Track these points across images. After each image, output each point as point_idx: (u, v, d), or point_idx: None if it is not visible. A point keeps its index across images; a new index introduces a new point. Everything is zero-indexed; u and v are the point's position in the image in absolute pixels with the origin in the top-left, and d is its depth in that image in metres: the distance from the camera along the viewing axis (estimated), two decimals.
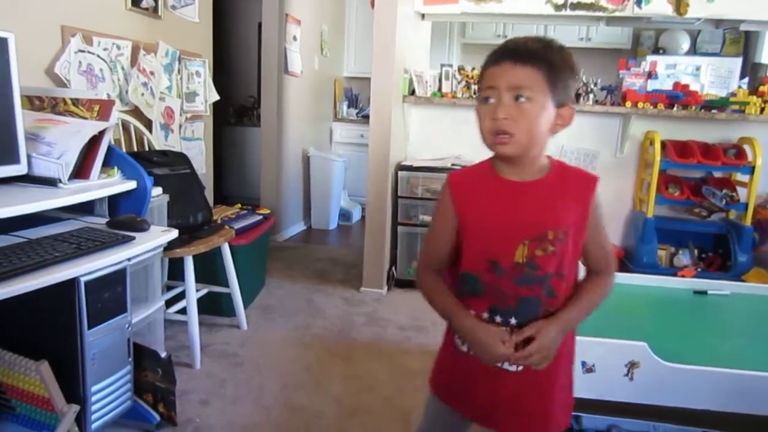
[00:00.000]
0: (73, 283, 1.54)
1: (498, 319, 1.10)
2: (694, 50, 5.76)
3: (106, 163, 1.91)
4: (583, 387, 1.58)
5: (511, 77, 1.01)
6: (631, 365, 1.62)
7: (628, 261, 3.67)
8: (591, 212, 1.10)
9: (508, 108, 1.01)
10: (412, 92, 3.72)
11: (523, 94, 1.00)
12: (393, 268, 3.66)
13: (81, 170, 1.80)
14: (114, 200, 1.95)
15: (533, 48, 1.02)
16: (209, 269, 2.77)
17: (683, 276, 3.23)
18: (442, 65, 3.83)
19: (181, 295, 2.52)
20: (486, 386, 1.15)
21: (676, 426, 1.84)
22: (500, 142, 1.03)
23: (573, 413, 1.83)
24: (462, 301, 1.12)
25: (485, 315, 1.11)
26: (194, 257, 2.43)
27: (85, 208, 1.90)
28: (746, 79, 4.24)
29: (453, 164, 3.53)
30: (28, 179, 1.71)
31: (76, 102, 1.99)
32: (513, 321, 1.09)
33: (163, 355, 1.97)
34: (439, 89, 3.77)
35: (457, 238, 1.13)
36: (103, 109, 1.96)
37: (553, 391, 1.16)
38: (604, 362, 1.59)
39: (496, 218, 1.08)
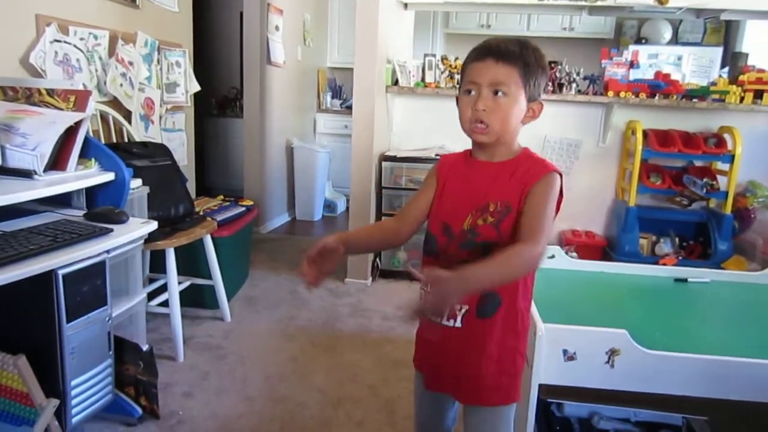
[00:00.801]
0: (50, 275, 1.52)
1: None
2: (675, 40, 5.79)
3: (84, 155, 1.88)
4: (564, 375, 1.59)
5: (492, 73, 1.14)
6: (612, 353, 1.63)
7: (610, 250, 3.70)
8: (531, 192, 1.15)
9: (487, 101, 1.14)
10: (396, 82, 3.70)
11: (501, 89, 1.14)
12: (377, 259, 3.65)
13: (57, 162, 1.78)
14: (92, 192, 1.93)
15: (513, 49, 1.14)
16: (192, 261, 2.75)
17: (664, 264, 3.26)
18: (426, 55, 3.82)
19: (164, 288, 2.50)
20: (436, 343, 1.26)
21: (657, 412, 1.86)
22: (478, 131, 1.17)
23: (555, 401, 1.86)
24: (423, 261, 1.27)
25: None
26: (176, 249, 2.41)
27: (62, 201, 1.87)
28: (727, 69, 4.27)
29: (437, 154, 3.53)
30: (3, 171, 1.68)
31: (51, 92, 1.96)
32: None
33: (145, 348, 1.96)
34: (423, 79, 3.75)
35: (430, 206, 1.28)
36: (80, 100, 1.93)
37: (481, 356, 1.21)
38: (585, 350, 1.60)
39: (458, 189, 1.24)
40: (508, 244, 1.11)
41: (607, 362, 1.61)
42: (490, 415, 1.26)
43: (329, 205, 5.53)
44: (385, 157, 3.55)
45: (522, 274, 1.17)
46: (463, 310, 1.19)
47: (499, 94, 1.13)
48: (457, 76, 3.75)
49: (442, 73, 3.77)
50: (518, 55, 1.14)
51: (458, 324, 1.20)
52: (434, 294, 1.00)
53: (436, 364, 1.29)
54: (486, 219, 1.18)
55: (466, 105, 1.17)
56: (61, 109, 1.92)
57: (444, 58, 3.80)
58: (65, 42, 2.33)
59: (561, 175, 1.19)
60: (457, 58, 3.81)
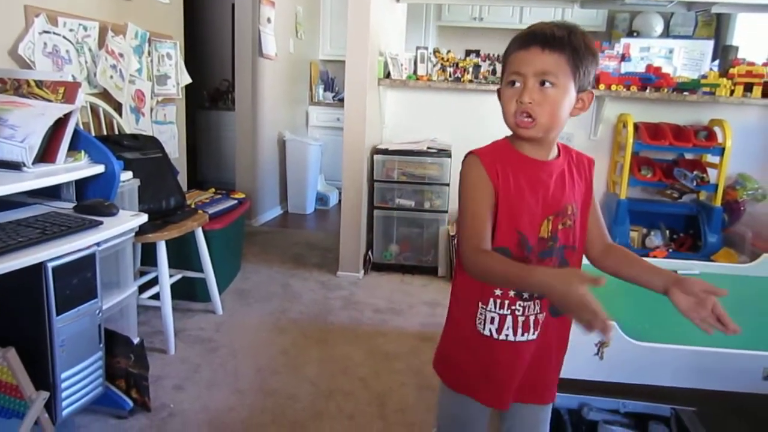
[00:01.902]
0: (39, 268, 1.52)
1: (525, 295, 1.12)
2: (667, 33, 5.80)
3: (73, 147, 1.87)
4: None
5: (538, 63, 1.04)
6: (601, 344, 1.64)
7: None
8: (592, 190, 1.18)
9: (533, 92, 1.04)
10: (388, 75, 3.70)
11: (548, 79, 1.04)
12: (369, 252, 3.66)
13: (46, 154, 1.77)
14: (81, 185, 1.92)
15: (559, 35, 1.04)
16: (183, 254, 2.75)
17: (655, 257, 3.28)
18: (418, 48, 3.81)
19: (155, 281, 2.50)
20: (506, 363, 1.17)
21: (645, 403, 1.88)
22: (524, 125, 1.07)
23: None
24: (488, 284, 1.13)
25: (512, 293, 1.12)
26: (168, 242, 2.41)
27: (51, 193, 1.86)
28: (717, 62, 4.29)
29: (429, 147, 3.53)
30: None
31: (40, 84, 1.94)
32: (538, 294, 1.12)
33: (136, 340, 1.95)
34: (415, 72, 3.75)
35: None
36: (69, 92, 1.92)
37: (558, 361, 1.23)
38: (574, 342, 1.61)
39: (525, 194, 1.10)
40: (580, 244, 1.16)
41: (596, 354, 1.62)
42: (546, 412, 1.27)
43: (321, 198, 5.53)
44: (377, 150, 3.55)
45: None
46: (541, 318, 1.15)
47: (547, 84, 1.04)
48: (450, 69, 3.75)
49: (434, 66, 3.76)
50: (566, 41, 1.04)
51: (534, 336, 1.15)
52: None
53: (509, 379, 1.19)
54: (566, 223, 1.12)
55: (509, 98, 1.07)
56: (50, 101, 1.91)
57: (436, 51, 3.80)
58: (54, 33, 2.31)
59: None
60: (449, 51, 3.81)
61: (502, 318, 1.13)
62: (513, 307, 1.13)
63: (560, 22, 1.08)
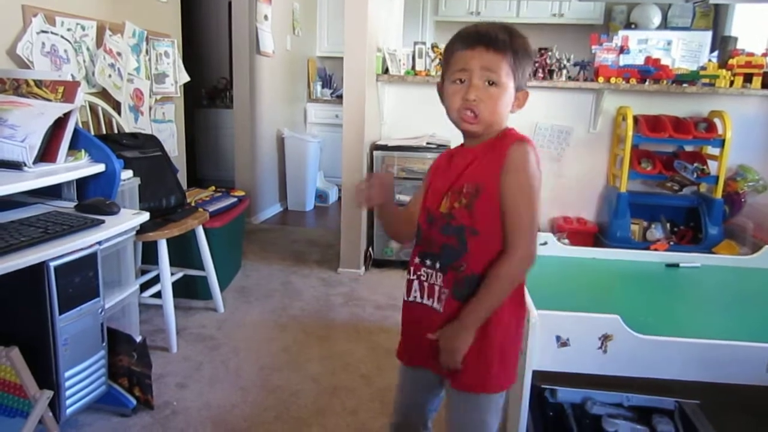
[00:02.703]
0: (42, 267, 1.52)
1: (428, 262, 1.23)
2: (665, 25, 5.79)
3: (73, 146, 1.87)
4: (557, 361, 1.59)
5: (484, 62, 1.11)
6: (605, 338, 1.64)
7: (602, 236, 3.71)
8: (505, 173, 1.12)
9: (478, 90, 1.12)
10: (386, 71, 3.69)
11: (492, 78, 1.12)
12: (370, 249, 3.66)
13: (47, 153, 1.76)
14: (82, 184, 1.92)
15: (502, 37, 1.12)
16: (184, 252, 2.75)
17: (656, 250, 3.28)
18: (415, 43, 3.80)
19: (156, 279, 2.50)
20: (408, 319, 1.30)
21: (649, 396, 1.88)
22: (467, 120, 1.15)
23: (548, 387, 1.87)
24: (412, 251, 1.28)
25: (417, 259, 1.25)
26: (169, 241, 2.40)
27: (53, 192, 1.86)
28: (716, 53, 4.28)
29: (428, 143, 3.52)
30: None
31: (39, 83, 1.93)
32: (437, 265, 1.21)
33: (138, 339, 1.95)
34: (413, 67, 3.74)
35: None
36: (68, 91, 1.91)
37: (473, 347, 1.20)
38: (577, 336, 1.61)
39: (440, 176, 1.25)
40: (477, 225, 1.15)
41: (600, 348, 1.61)
42: (467, 400, 1.24)
43: (321, 195, 5.52)
44: (376, 146, 3.54)
45: (511, 288, 1.16)
46: (444, 295, 1.20)
47: (491, 83, 1.12)
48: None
49: (432, 61, 3.75)
50: (508, 43, 1.12)
51: (440, 308, 1.21)
52: (446, 354, 1.16)
53: (416, 341, 1.27)
54: (461, 201, 1.16)
55: (454, 94, 1.15)
56: (50, 101, 1.91)
57: (434, 46, 3.79)
58: (52, 33, 2.31)
59: (533, 147, 1.14)
60: None
61: (409, 282, 1.26)
62: (418, 272, 1.24)
63: (500, 24, 1.15)
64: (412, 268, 1.26)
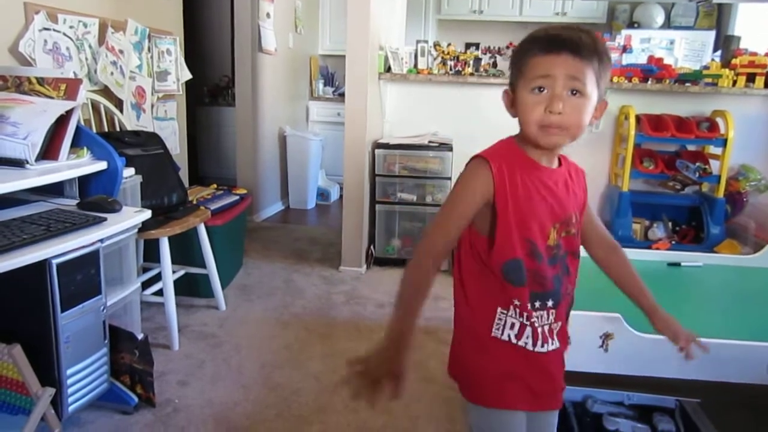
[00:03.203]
0: (44, 265, 1.52)
1: (537, 304, 1.10)
2: (668, 24, 5.78)
3: (75, 144, 1.87)
4: None
5: (570, 70, 1.00)
6: (606, 337, 1.64)
7: None
8: (587, 198, 1.21)
9: (564, 101, 1.01)
10: (388, 69, 3.69)
11: (578, 87, 1.01)
12: (371, 247, 3.66)
13: (49, 151, 1.77)
14: (84, 181, 1.92)
15: (588, 42, 1.01)
16: (186, 250, 2.75)
17: (658, 249, 3.27)
18: (418, 41, 3.80)
19: (158, 277, 2.50)
20: (538, 370, 1.15)
21: (650, 395, 1.88)
22: (552, 133, 1.03)
23: None
24: (507, 291, 1.10)
25: (528, 304, 1.09)
26: (170, 238, 2.41)
27: (55, 190, 1.86)
28: (719, 52, 4.27)
29: (430, 141, 3.52)
30: None
31: (41, 81, 1.94)
32: (549, 303, 1.12)
33: (140, 336, 1.95)
34: (415, 66, 3.74)
35: (490, 226, 1.09)
36: (70, 88, 1.92)
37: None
38: (579, 334, 1.61)
39: (534, 201, 1.08)
40: (577, 248, 1.17)
41: (601, 346, 1.62)
42: (555, 416, 1.27)
43: (323, 194, 5.52)
44: (378, 145, 3.54)
45: None
46: (557, 328, 1.14)
47: (576, 93, 1.01)
48: (450, 62, 3.74)
49: (434, 59, 3.75)
50: (594, 49, 1.01)
51: (557, 344, 1.15)
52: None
53: (541, 387, 1.18)
54: (569, 231, 1.13)
55: (535, 104, 1.02)
56: (52, 98, 1.91)
57: (437, 45, 3.79)
58: (54, 30, 2.31)
59: None
60: (449, 44, 3.80)
61: (522, 326, 1.11)
62: (532, 319, 1.11)
63: (578, 27, 1.04)
64: (522, 312, 1.10)
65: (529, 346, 1.11)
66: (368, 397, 1.00)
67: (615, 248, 1.27)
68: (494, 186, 1.05)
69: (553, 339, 1.13)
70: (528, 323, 1.10)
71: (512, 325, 1.11)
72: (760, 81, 3.39)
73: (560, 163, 1.15)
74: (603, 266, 1.28)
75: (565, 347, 1.19)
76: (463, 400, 1.21)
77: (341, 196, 3.68)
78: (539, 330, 1.11)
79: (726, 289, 2.22)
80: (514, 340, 1.11)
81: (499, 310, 1.11)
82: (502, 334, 1.12)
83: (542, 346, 1.12)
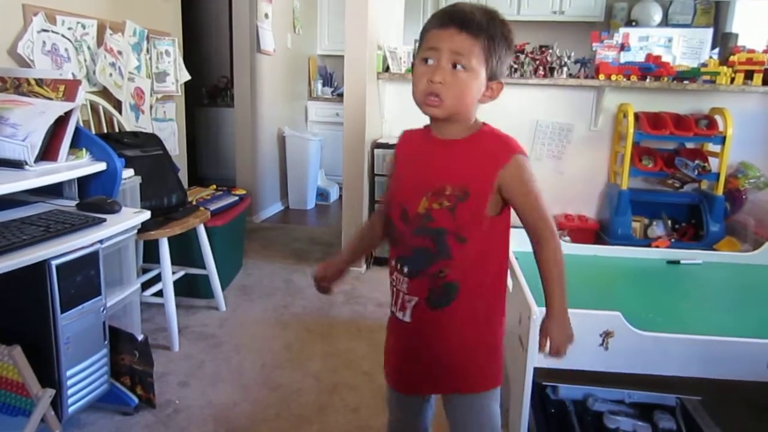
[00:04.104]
0: (43, 266, 1.52)
1: (398, 266, 1.18)
2: (666, 21, 5.78)
3: (75, 145, 1.87)
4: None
5: (454, 43, 1.04)
6: (606, 335, 1.64)
7: (603, 233, 3.71)
8: (510, 181, 1.10)
9: (444, 73, 1.05)
10: (386, 69, 3.69)
11: (461, 62, 1.04)
12: None
13: (48, 152, 1.77)
14: (84, 182, 1.92)
15: (478, 19, 1.04)
16: (185, 251, 2.75)
17: (657, 247, 3.27)
18: (416, 41, 3.79)
19: (158, 278, 2.50)
20: (395, 341, 1.27)
21: (651, 393, 1.88)
22: (430, 103, 1.08)
23: (550, 383, 1.87)
24: (390, 250, 1.21)
25: (394, 262, 1.19)
26: (170, 239, 2.41)
27: (54, 191, 1.86)
28: (717, 50, 4.27)
29: None
30: None
31: (40, 82, 1.94)
32: (405, 270, 1.16)
33: (140, 337, 1.95)
34: (413, 65, 3.73)
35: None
36: (69, 90, 1.92)
37: (440, 346, 1.20)
38: (579, 332, 1.60)
39: (413, 169, 1.17)
40: (463, 231, 1.10)
41: (601, 344, 1.62)
42: (468, 401, 1.23)
43: (322, 194, 5.52)
44: (377, 144, 3.54)
45: (564, 267, 1.16)
46: (413, 302, 1.16)
47: (459, 67, 1.04)
48: None
49: None
50: (484, 27, 1.04)
51: (407, 318, 1.18)
52: (554, 343, 1.14)
53: (396, 364, 1.27)
54: (442, 203, 1.10)
55: (421, 74, 1.07)
56: (51, 99, 1.91)
57: None
58: (53, 31, 2.31)
59: (527, 157, 1.13)
60: None
61: (390, 289, 1.21)
62: (391, 278, 1.20)
63: (482, 7, 1.08)
64: (391, 272, 1.21)
65: (397, 313, 1.20)
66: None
67: (538, 241, 1.14)
68: (395, 153, 1.24)
69: (404, 311, 1.18)
70: (394, 286, 1.20)
71: (391, 293, 1.21)
72: (758, 78, 3.39)
73: (472, 136, 1.13)
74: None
75: (425, 332, 1.18)
76: None
77: (341, 196, 3.69)
78: (394, 292, 1.20)
79: (726, 286, 2.22)
80: (393, 308, 1.22)
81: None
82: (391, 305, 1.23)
83: (400, 312, 1.19)
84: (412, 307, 1.16)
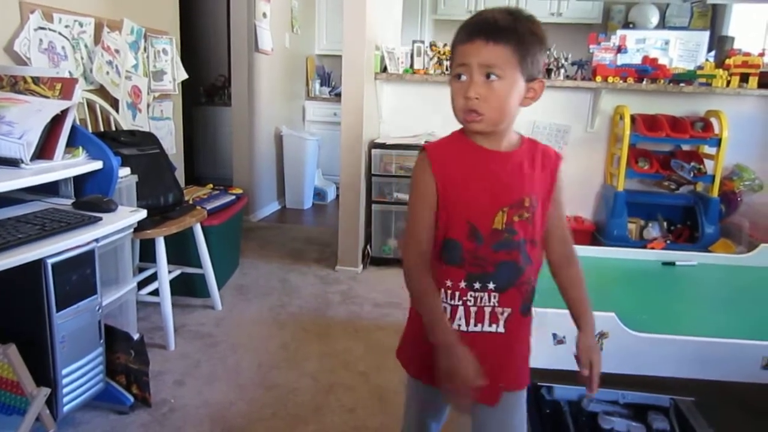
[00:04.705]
0: (39, 264, 1.52)
1: (477, 285, 1.11)
2: (663, 24, 5.80)
3: (71, 143, 1.87)
4: (554, 358, 1.60)
5: (482, 56, 1.01)
6: (601, 335, 1.65)
7: (599, 234, 3.72)
8: (555, 187, 1.15)
9: (479, 87, 1.02)
10: (384, 69, 3.69)
11: (494, 72, 1.01)
12: (368, 246, 3.66)
13: (44, 150, 1.77)
14: (80, 181, 1.92)
15: (503, 24, 1.02)
16: (182, 250, 2.75)
17: (652, 248, 3.29)
18: (414, 41, 3.80)
19: (154, 277, 2.50)
20: (483, 356, 1.13)
21: (645, 393, 1.89)
22: (471, 119, 1.05)
23: (545, 384, 1.88)
24: (441, 271, 1.13)
25: (462, 284, 1.12)
26: (166, 238, 2.40)
27: (50, 189, 1.86)
28: (713, 53, 4.29)
29: (426, 141, 3.52)
30: None
31: (36, 80, 1.93)
32: (491, 286, 1.11)
33: (136, 336, 1.95)
34: (411, 66, 3.74)
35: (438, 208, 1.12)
36: (66, 88, 1.91)
37: (522, 349, 1.21)
38: (574, 334, 1.61)
39: (476, 185, 1.09)
40: (536, 236, 1.13)
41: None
42: (521, 396, 1.24)
43: (319, 194, 5.52)
44: (374, 145, 3.54)
45: None
46: (506, 314, 1.14)
47: (492, 77, 1.01)
48: (446, 63, 3.74)
49: (430, 59, 3.76)
50: (511, 30, 1.01)
51: (501, 329, 1.14)
52: (597, 362, 1.13)
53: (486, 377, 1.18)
54: (522, 215, 1.09)
55: (457, 92, 1.05)
56: (47, 97, 1.91)
57: (433, 45, 3.79)
58: (50, 29, 2.30)
59: None
60: (445, 45, 3.80)
61: (454, 309, 1.13)
62: (464, 298, 1.13)
63: (505, 9, 1.05)
64: (454, 292, 1.12)
65: (463, 327, 1.13)
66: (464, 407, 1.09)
67: (570, 262, 1.19)
68: (432, 172, 1.09)
69: (497, 323, 1.14)
70: (460, 303, 1.12)
71: (444, 309, 1.13)
72: (753, 81, 3.41)
73: (521, 146, 1.13)
74: (553, 273, 1.23)
75: (515, 338, 1.17)
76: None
77: (338, 196, 3.69)
78: (472, 310, 1.12)
79: (720, 288, 2.23)
80: (475, 326, 1.14)
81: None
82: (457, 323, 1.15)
83: (476, 325, 1.13)
84: (506, 319, 1.14)
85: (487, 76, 1.02)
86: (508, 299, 1.13)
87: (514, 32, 1.01)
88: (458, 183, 1.09)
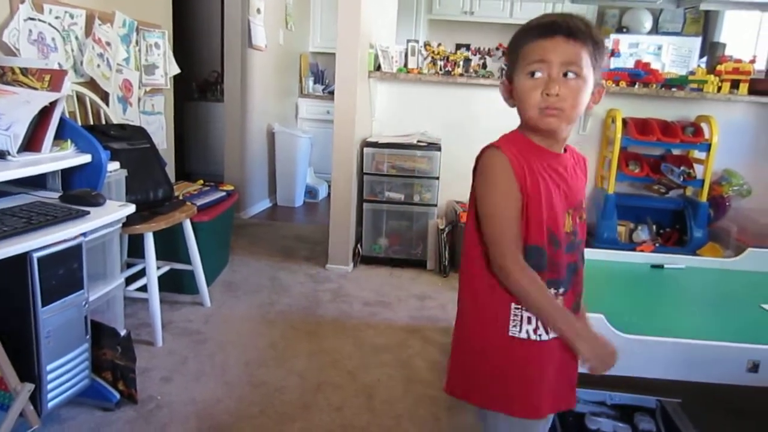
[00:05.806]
0: (25, 258, 1.50)
1: (552, 291, 1.10)
2: (656, 29, 5.83)
3: (59, 136, 1.85)
4: None
5: (564, 53, 1.02)
6: None
7: (589, 236, 3.72)
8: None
9: (559, 84, 1.02)
10: (378, 68, 3.68)
11: (572, 69, 1.02)
12: (359, 245, 3.65)
13: (32, 143, 1.75)
14: (68, 174, 1.90)
15: (580, 26, 1.04)
16: (171, 246, 2.73)
17: (642, 251, 3.30)
18: (408, 41, 3.80)
19: (142, 273, 2.48)
20: (555, 361, 1.14)
21: (631, 395, 1.90)
22: (550, 115, 1.04)
23: None
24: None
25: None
26: (155, 234, 2.39)
27: (37, 182, 1.84)
28: (705, 59, 4.32)
29: (418, 141, 3.52)
30: None
31: (25, 71, 1.92)
32: (561, 290, 1.12)
33: (123, 332, 1.94)
34: (405, 65, 3.74)
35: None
36: (55, 80, 1.90)
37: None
38: None
39: (550, 188, 1.08)
40: (583, 235, 1.16)
41: None
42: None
43: (311, 191, 5.51)
44: (367, 143, 3.54)
45: None
46: None
47: (570, 75, 1.02)
48: (441, 63, 3.74)
49: (425, 59, 3.75)
50: (587, 32, 1.03)
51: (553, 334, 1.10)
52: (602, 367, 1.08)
53: (557, 381, 1.16)
54: (581, 216, 1.14)
55: (531, 88, 1.04)
56: (36, 89, 1.89)
57: (427, 44, 3.79)
58: (40, 20, 2.28)
59: None
60: (440, 44, 3.80)
61: (530, 318, 1.10)
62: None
63: (576, 15, 1.06)
64: None
65: (544, 336, 1.10)
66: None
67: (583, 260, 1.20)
68: (515, 172, 1.05)
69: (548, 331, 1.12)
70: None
71: (529, 320, 1.09)
72: (744, 87, 3.43)
73: (565, 150, 1.15)
74: None
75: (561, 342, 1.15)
76: (468, 405, 1.24)
77: (329, 194, 3.68)
78: None
79: (707, 291, 2.24)
80: (533, 336, 1.10)
81: (512, 305, 1.09)
82: (520, 331, 1.10)
83: (548, 333, 1.11)
84: None
85: (565, 74, 1.03)
86: (568, 301, 1.13)
87: (590, 35, 1.04)
88: (536, 186, 1.07)
